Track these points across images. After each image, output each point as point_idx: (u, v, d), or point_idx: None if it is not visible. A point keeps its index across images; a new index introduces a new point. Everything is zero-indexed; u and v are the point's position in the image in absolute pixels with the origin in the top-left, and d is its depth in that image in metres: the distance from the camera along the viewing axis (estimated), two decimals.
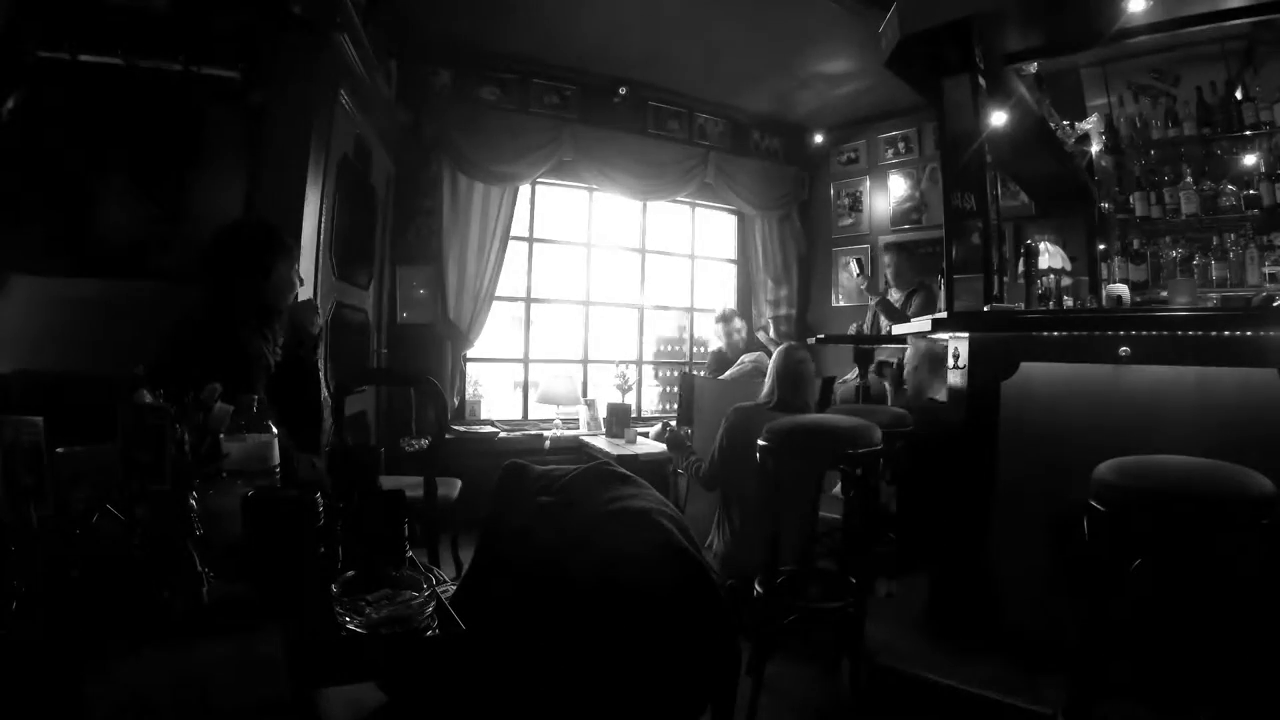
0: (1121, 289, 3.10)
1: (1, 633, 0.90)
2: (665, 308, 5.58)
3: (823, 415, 2.39)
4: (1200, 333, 1.81)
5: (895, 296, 4.33)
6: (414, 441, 4.03)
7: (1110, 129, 3.88)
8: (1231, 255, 3.57)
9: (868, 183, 5.52)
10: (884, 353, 4.21)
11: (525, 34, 4.29)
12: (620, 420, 4.55)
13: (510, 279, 4.79)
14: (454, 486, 3.08)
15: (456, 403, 4.63)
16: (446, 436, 3.65)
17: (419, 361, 4.37)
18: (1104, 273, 3.84)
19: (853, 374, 3.75)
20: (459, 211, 4.49)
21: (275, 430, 1.38)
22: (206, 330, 1.88)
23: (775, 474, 2.04)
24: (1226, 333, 1.77)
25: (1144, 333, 1.87)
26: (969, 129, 2.38)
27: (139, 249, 2.52)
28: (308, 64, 2.79)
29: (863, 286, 4.61)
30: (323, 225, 3.03)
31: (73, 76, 2.41)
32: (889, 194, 5.39)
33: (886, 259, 4.53)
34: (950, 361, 2.31)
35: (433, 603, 1.07)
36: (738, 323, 4.64)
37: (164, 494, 1.10)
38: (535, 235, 5.01)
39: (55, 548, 1.04)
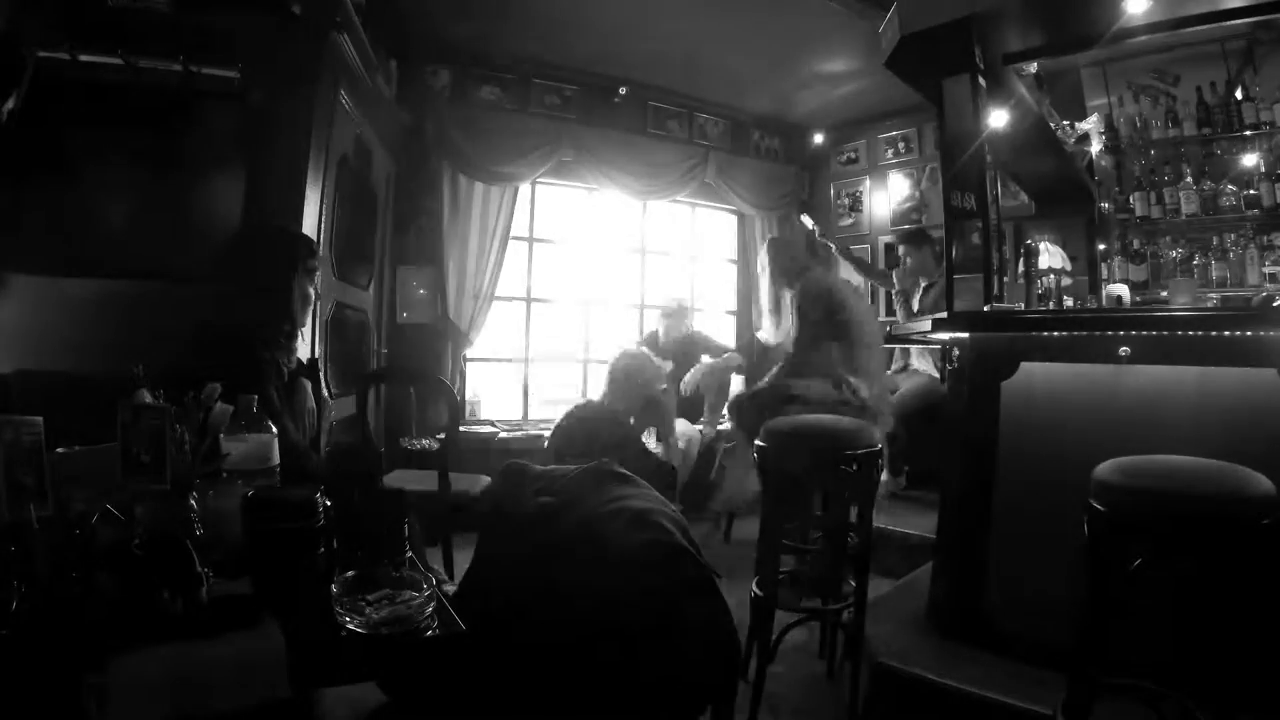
0: (1121, 289, 3.10)
1: (1, 633, 0.90)
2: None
3: (819, 415, 2.38)
4: (1200, 333, 1.81)
5: (922, 289, 4.17)
6: (415, 441, 4.03)
7: (1110, 129, 3.88)
8: (1231, 255, 3.57)
9: (868, 183, 5.52)
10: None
11: (525, 34, 4.29)
12: None
13: (510, 279, 4.79)
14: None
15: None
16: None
17: (419, 361, 4.37)
18: (1104, 273, 3.84)
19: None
20: (459, 211, 4.49)
21: (275, 430, 1.38)
22: (222, 336, 1.87)
23: (772, 475, 2.04)
24: (1226, 333, 1.77)
25: (1144, 333, 1.87)
26: (969, 129, 2.38)
27: (139, 249, 2.52)
28: (308, 64, 2.79)
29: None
30: (323, 225, 3.03)
31: (73, 76, 2.41)
32: (889, 194, 5.39)
33: (901, 249, 4.29)
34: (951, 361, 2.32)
35: (433, 603, 1.07)
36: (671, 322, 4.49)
37: (164, 494, 1.10)
38: (535, 235, 5.02)
39: (55, 548, 1.04)
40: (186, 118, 2.60)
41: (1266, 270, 3.44)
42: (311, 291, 2.09)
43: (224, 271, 1.95)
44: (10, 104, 2.08)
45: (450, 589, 1.57)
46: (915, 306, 4.12)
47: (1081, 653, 1.36)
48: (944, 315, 2.24)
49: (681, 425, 4.03)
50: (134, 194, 2.56)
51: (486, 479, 3.07)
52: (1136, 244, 3.81)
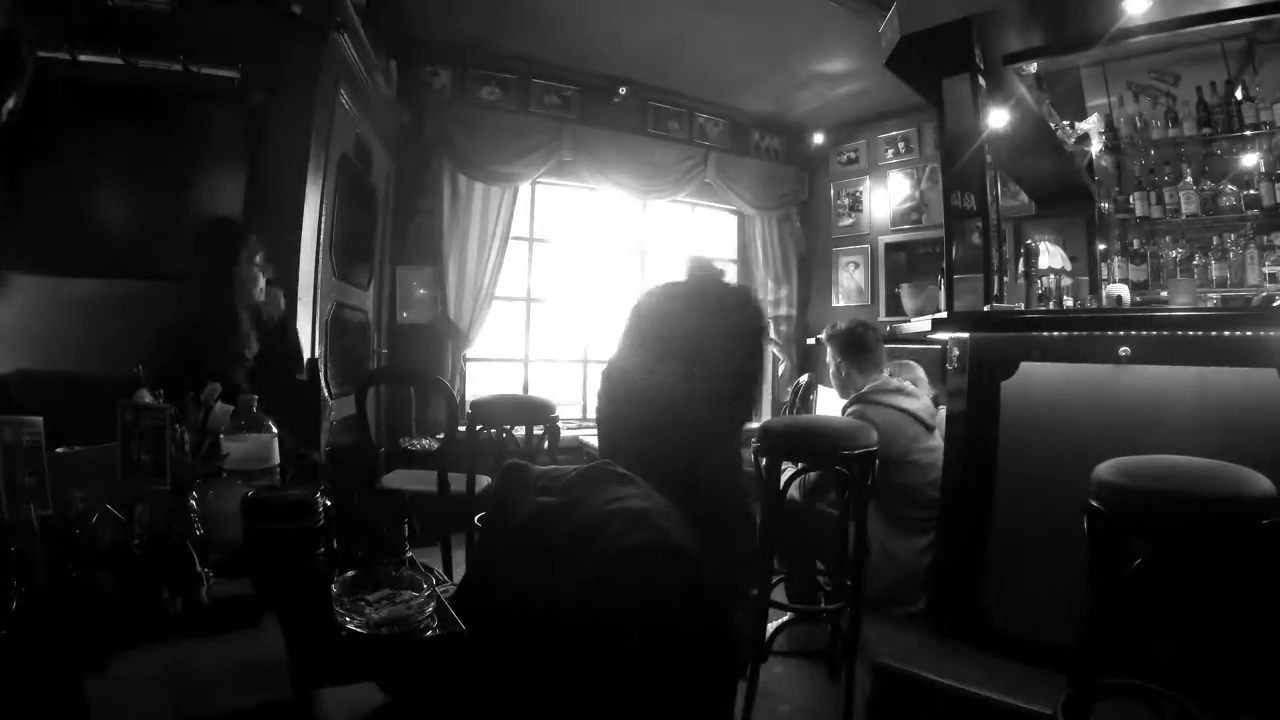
0: (1121, 289, 3.10)
1: (1, 633, 0.90)
2: None
3: (814, 416, 2.38)
4: (1200, 333, 1.81)
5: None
6: (415, 441, 4.04)
7: (1110, 129, 3.87)
8: (1231, 255, 3.56)
9: (868, 183, 5.52)
10: None
11: (525, 34, 4.29)
12: None
13: (510, 279, 4.79)
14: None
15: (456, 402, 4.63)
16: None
17: (419, 361, 4.37)
18: (1104, 273, 3.83)
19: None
20: (459, 211, 4.49)
21: (275, 430, 1.39)
22: (184, 325, 1.87)
23: (768, 477, 2.04)
24: (1226, 333, 1.77)
25: (1144, 333, 1.87)
26: (969, 129, 2.38)
27: (139, 249, 2.52)
28: (308, 64, 2.79)
29: None
30: (323, 225, 3.03)
31: (73, 76, 2.41)
32: (889, 194, 5.39)
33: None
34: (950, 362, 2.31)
35: (433, 603, 1.07)
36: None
37: (164, 494, 1.10)
38: (535, 235, 5.02)
39: (55, 548, 1.04)
40: (186, 118, 2.60)
41: (1266, 270, 3.43)
42: (256, 278, 2.07)
43: (174, 269, 1.95)
44: (10, 104, 2.08)
45: (449, 589, 1.57)
46: None
47: (1081, 653, 1.36)
48: (944, 315, 2.24)
49: None
50: (134, 194, 2.56)
51: (486, 479, 3.07)
52: (1136, 244, 3.80)
